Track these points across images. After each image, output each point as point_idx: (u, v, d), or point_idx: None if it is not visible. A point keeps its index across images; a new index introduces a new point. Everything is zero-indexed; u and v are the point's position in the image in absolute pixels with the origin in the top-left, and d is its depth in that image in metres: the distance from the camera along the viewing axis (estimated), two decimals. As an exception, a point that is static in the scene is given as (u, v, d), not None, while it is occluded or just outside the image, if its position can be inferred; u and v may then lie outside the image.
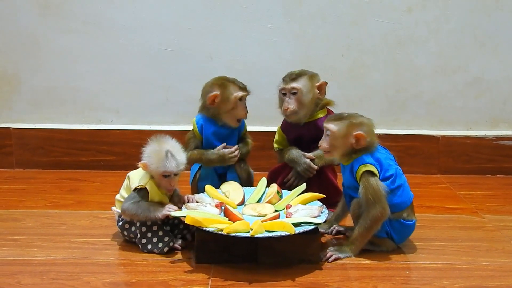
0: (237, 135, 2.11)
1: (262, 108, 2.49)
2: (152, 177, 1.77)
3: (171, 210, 1.73)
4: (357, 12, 2.59)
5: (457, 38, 2.62)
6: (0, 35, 2.58)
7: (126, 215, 1.75)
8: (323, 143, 1.78)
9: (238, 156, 2.06)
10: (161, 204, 1.76)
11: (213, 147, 2.06)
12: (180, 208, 1.77)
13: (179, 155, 1.76)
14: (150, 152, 1.76)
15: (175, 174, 1.76)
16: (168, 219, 1.81)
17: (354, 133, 1.74)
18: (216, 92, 2.02)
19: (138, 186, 1.74)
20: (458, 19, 2.60)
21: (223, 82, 2.04)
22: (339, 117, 1.78)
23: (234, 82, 2.05)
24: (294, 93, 2.01)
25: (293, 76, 2.03)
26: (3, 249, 1.79)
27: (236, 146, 2.07)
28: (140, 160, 1.77)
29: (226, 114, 2.05)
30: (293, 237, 1.65)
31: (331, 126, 1.76)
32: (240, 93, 2.04)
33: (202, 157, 2.05)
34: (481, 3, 2.59)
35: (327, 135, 1.77)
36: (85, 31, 2.57)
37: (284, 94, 2.03)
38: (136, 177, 1.78)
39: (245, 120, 2.10)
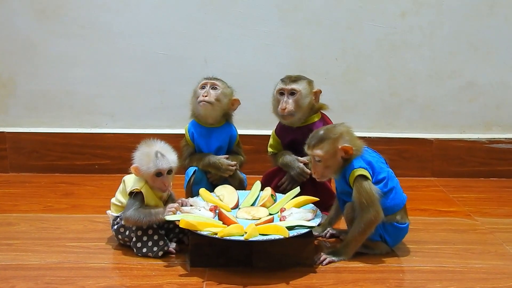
0: (227, 142, 2.12)
1: (256, 112, 2.51)
2: (147, 182, 1.77)
3: (173, 211, 1.73)
4: (351, 17, 2.60)
5: (451, 43, 2.63)
6: (-4, 39, 2.59)
7: (130, 222, 1.74)
8: (317, 172, 1.76)
9: (234, 171, 2.08)
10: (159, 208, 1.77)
11: (202, 150, 2.09)
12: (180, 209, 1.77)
13: (169, 154, 1.78)
14: (140, 155, 1.78)
15: (168, 173, 1.77)
16: (163, 223, 1.81)
17: (340, 147, 1.74)
18: None
19: (133, 189, 1.75)
20: (452, 24, 2.62)
21: None
22: (319, 140, 1.74)
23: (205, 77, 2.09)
24: (292, 94, 2.01)
25: (293, 78, 2.03)
26: (-2, 253, 1.79)
27: (235, 162, 2.09)
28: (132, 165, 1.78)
29: (195, 105, 2.08)
30: (287, 240, 1.66)
31: (318, 152, 1.73)
32: (202, 82, 2.07)
33: (202, 158, 2.08)
34: (475, 9, 2.61)
35: (317, 161, 1.75)
36: (80, 36, 2.58)
37: (282, 94, 2.03)
38: (131, 181, 1.78)
39: (208, 107, 2.03)
